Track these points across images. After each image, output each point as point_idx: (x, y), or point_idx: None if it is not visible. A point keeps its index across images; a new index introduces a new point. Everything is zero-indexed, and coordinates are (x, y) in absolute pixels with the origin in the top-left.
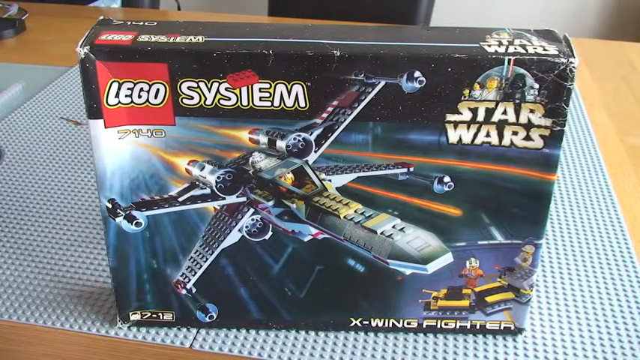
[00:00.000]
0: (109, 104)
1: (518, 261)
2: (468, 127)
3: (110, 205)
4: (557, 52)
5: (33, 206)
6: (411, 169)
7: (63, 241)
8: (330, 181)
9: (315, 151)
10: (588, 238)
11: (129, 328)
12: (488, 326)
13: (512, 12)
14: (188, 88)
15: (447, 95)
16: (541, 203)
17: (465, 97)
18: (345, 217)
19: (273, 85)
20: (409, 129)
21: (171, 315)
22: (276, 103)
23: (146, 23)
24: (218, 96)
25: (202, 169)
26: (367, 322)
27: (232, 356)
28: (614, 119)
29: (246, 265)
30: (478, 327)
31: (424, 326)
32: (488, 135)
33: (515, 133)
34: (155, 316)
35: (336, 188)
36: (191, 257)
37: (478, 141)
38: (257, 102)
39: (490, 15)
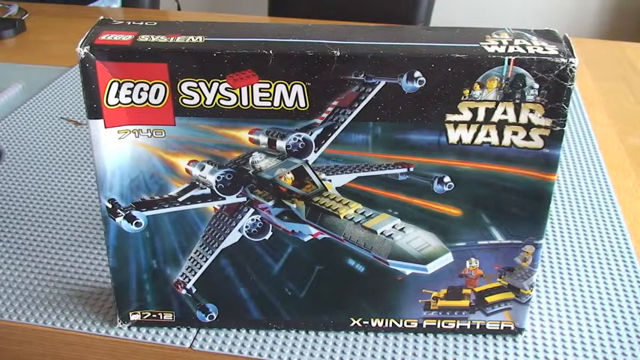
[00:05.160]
0: (109, 104)
1: (518, 261)
2: (468, 127)
3: (110, 205)
4: (557, 52)
5: (33, 206)
6: (411, 169)
7: (63, 241)
8: (330, 181)
9: (315, 151)
10: (588, 238)
11: (129, 328)
12: (488, 326)
13: (513, 12)
14: (188, 88)
15: (447, 95)
16: (541, 203)
17: (465, 97)
18: (345, 217)
19: (273, 85)
20: (409, 129)
21: (171, 315)
22: (276, 103)
23: (146, 23)
24: (218, 96)
25: (202, 169)
26: (367, 322)
27: (232, 356)
28: (614, 119)
29: (246, 265)
30: (478, 327)
31: (424, 326)
32: (488, 135)
33: (515, 133)
34: (155, 316)
35: (336, 188)
36: (191, 257)
37: (478, 141)
38: (257, 102)
39: (490, 15)
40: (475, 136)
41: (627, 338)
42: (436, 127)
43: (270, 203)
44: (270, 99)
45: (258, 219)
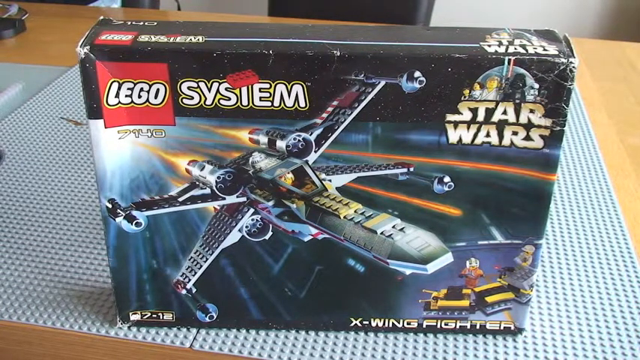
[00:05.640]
0: (109, 104)
1: (518, 261)
2: (468, 127)
3: (110, 205)
4: (557, 52)
5: (33, 206)
6: (411, 169)
7: (63, 241)
8: (330, 181)
9: (315, 151)
10: (588, 238)
11: (129, 328)
12: (488, 326)
13: (513, 12)
14: (188, 88)
15: (447, 95)
16: (541, 203)
17: (465, 97)
18: (345, 217)
19: (273, 85)
20: (409, 129)
21: (171, 315)
22: (276, 103)
23: (146, 23)
24: (218, 96)
25: (202, 169)
26: (367, 322)
27: (232, 356)
28: (614, 119)
29: (246, 265)
30: (478, 327)
31: (424, 326)
32: (488, 135)
33: (515, 133)
34: (155, 316)
35: (336, 188)
36: (191, 257)
37: (478, 141)
38: (257, 102)
39: (490, 15)
40: (475, 136)
41: (627, 338)
42: (436, 127)
43: (270, 203)
44: (270, 99)
45: (258, 219)
